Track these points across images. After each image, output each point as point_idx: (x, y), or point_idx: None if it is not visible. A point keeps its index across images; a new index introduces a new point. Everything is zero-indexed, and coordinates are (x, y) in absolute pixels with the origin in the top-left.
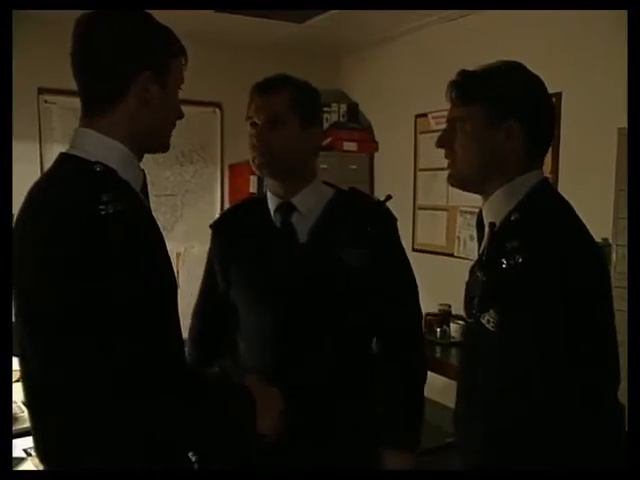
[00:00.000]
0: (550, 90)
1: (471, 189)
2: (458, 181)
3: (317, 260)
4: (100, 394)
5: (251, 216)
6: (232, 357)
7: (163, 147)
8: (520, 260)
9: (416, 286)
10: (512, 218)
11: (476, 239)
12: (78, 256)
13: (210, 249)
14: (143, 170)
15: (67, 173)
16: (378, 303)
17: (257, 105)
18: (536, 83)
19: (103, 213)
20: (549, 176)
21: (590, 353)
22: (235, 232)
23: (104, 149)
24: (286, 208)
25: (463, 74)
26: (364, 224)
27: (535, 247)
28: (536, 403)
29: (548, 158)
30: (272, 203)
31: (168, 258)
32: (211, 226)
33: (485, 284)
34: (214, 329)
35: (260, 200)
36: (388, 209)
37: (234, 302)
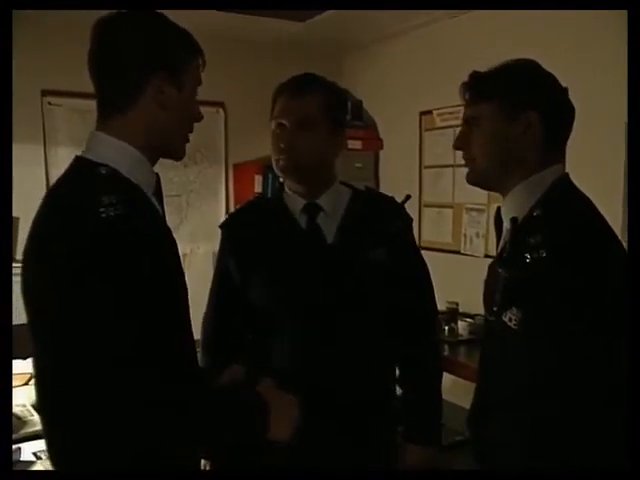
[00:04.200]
0: None
1: (491, 186)
2: (478, 179)
3: (347, 261)
4: (107, 399)
5: (267, 217)
6: (250, 362)
7: (179, 151)
8: (544, 255)
9: (431, 279)
10: (534, 214)
11: (495, 236)
12: (78, 258)
13: (221, 251)
14: (157, 174)
15: (73, 175)
16: (399, 297)
17: (286, 106)
18: (550, 76)
19: (104, 216)
20: None
21: (616, 351)
22: (252, 233)
23: (115, 152)
24: (312, 209)
25: (475, 74)
26: (386, 223)
27: (559, 242)
28: (561, 402)
29: None
30: (294, 204)
31: (177, 261)
32: (221, 226)
33: (507, 281)
34: (231, 334)
35: (270, 200)
36: (404, 208)
37: (257, 306)
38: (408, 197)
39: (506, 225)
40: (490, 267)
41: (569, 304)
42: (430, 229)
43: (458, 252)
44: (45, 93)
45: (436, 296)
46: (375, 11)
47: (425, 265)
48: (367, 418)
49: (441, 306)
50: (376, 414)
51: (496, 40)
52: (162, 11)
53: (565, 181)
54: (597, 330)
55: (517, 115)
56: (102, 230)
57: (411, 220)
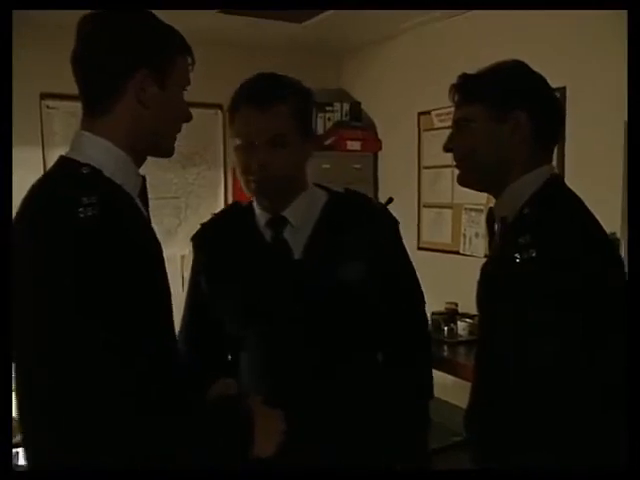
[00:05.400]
0: (554, 84)
1: (482, 188)
2: (469, 181)
3: (315, 278)
4: (81, 408)
5: (236, 228)
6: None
7: (165, 151)
8: (534, 254)
9: (421, 292)
10: (524, 212)
11: (487, 236)
12: (56, 258)
13: (193, 265)
14: (143, 176)
15: (55, 175)
16: (383, 313)
17: (253, 121)
18: (538, 77)
19: (82, 216)
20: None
21: (607, 348)
22: (220, 247)
23: (99, 152)
24: (278, 222)
25: (464, 76)
26: (363, 231)
27: (549, 241)
28: (551, 399)
29: (555, 153)
30: (261, 217)
31: (160, 266)
32: (192, 239)
33: (498, 279)
34: (205, 349)
35: (242, 209)
36: (387, 211)
37: (226, 325)
38: (390, 200)
39: (497, 225)
40: (482, 267)
41: (558, 303)
42: (429, 230)
43: (457, 252)
44: (43, 96)
45: (435, 297)
46: (372, 12)
47: (414, 274)
48: (347, 425)
49: (440, 307)
50: (357, 420)
51: (494, 40)
52: (159, 12)
53: (556, 181)
54: (586, 328)
55: (506, 116)
56: (80, 230)
57: (396, 223)
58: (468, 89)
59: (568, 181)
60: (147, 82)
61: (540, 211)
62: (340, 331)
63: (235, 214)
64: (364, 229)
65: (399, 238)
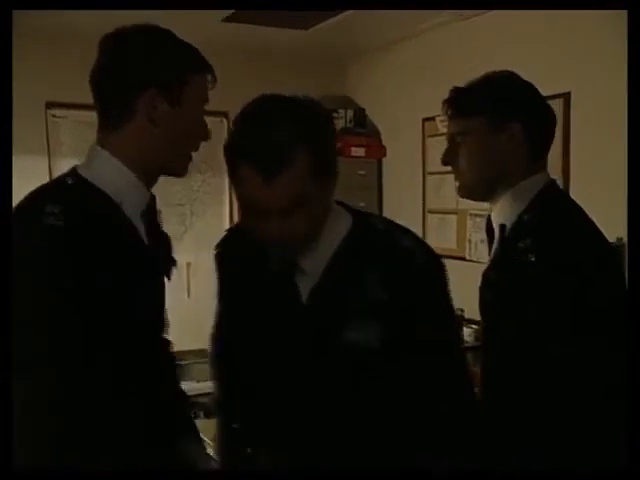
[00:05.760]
0: (559, 90)
1: (481, 198)
2: (468, 192)
3: (321, 330)
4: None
5: (250, 249)
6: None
7: (177, 171)
8: (533, 259)
9: (466, 369)
10: (523, 218)
11: (486, 243)
12: (18, 262)
13: (217, 275)
14: (152, 195)
15: (44, 184)
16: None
17: (256, 193)
18: (530, 86)
19: (44, 224)
20: (560, 176)
21: (610, 351)
22: (236, 264)
23: (106, 170)
24: (289, 266)
25: (457, 90)
26: (388, 280)
27: (547, 246)
28: (557, 401)
29: (559, 158)
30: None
31: (134, 283)
32: (215, 247)
33: (499, 284)
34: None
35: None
36: (426, 253)
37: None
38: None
39: (496, 231)
40: (483, 273)
41: (559, 306)
42: (434, 236)
43: (463, 258)
44: (50, 105)
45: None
46: (376, 18)
47: (456, 340)
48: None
49: None
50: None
51: (498, 45)
52: (167, 17)
53: (553, 187)
54: (588, 330)
55: (502, 127)
56: (38, 237)
57: (439, 270)
58: (461, 103)
59: (573, 186)
60: (157, 100)
61: (540, 215)
62: (344, 402)
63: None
64: (390, 277)
65: (437, 289)
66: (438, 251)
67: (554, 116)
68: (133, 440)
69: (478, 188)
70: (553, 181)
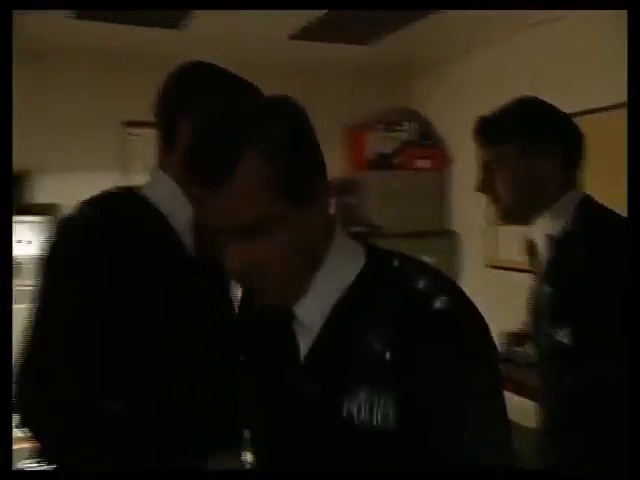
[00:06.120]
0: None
1: (521, 221)
2: (511, 218)
3: (318, 394)
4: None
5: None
6: None
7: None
8: (588, 269)
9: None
10: (569, 231)
11: (527, 259)
12: (55, 261)
13: None
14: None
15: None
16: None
17: (202, 200)
18: (555, 109)
19: (71, 223)
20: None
21: None
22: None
23: (161, 190)
24: (285, 316)
25: (485, 119)
26: (399, 337)
27: (601, 255)
28: (615, 415)
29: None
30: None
31: (161, 294)
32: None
33: (554, 298)
34: None
35: None
36: (449, 297)
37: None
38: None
39: (540, 245)
40: (533, 289)
41: (618, 315)
42: (507, 248)
43: (532, 271)
44: (126, 124)
45: (509, 316)
46: (442, 32)
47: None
48: None
49: (514, 326)
50: None
51: (565, 52)
52: (229, 44)
53: (590, 200)
54: None
55: (536, 150)
56: (80, 237)
57: (468, 323)
58: (494, 131)
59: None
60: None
61: (585, 227)
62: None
63: None
64: (409, 339)
65: (469, 356)
66: (507, 264)
67: (582, 134)
68: (177, 444)
69: (521, 212)
70: (588, 195)
